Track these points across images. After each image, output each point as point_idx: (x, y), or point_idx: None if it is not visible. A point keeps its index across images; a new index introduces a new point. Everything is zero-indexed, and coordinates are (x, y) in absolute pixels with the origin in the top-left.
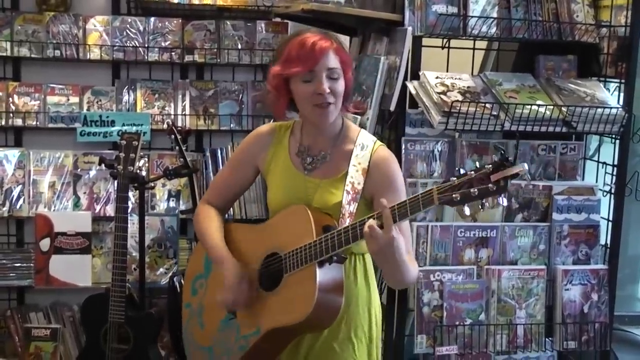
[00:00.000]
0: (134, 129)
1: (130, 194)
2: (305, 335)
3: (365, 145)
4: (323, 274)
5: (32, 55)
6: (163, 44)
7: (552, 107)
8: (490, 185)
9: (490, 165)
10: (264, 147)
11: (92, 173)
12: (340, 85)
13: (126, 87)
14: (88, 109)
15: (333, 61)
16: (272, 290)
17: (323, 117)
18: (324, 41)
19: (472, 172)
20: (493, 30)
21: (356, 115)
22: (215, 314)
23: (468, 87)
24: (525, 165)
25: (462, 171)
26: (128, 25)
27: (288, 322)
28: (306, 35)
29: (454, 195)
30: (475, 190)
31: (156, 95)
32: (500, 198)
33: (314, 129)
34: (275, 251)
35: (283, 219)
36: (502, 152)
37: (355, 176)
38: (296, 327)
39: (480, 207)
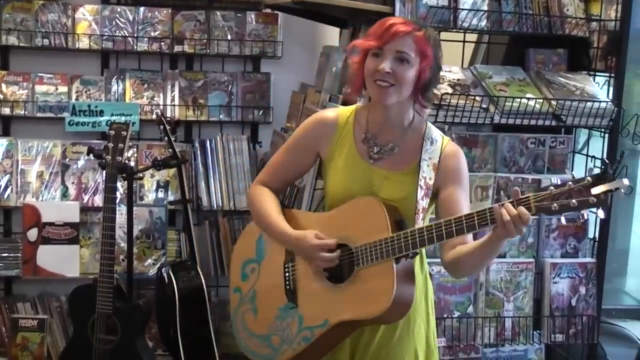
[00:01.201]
0: (123, 119)
1: (119, 184)
2: (365, 328)
3: (434, 140)
4: (399, 270)
5: (21, 44)
6: (152, 34)
7: (541, 100)
8: (591, 198)
9: (590, 178)
10: (328, 133)
11: (81, 163)
12: (408, 72)
13: (115, 77)
14: (77, 99)
15: (407, 46)
16: (341, 283)
17: (379, 95)
18: (405, 25)
19: (571, 183)
20: (483, 23)
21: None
22: (271, 301)
23: (458, 79)
24: (626, 181)
25: (559, 181)
26: (117, 15)
27: (362, 316)
28: (393, 17)
29: (553, 206)
30: (575, 202)
31: (145, 86)
32: (600, 211)
33: (381, 116)
34: (344, 242)
35: (353, 210)
36: (606, 165)
37: (427, 171)
38: (368, 321)
39: (581, 217)
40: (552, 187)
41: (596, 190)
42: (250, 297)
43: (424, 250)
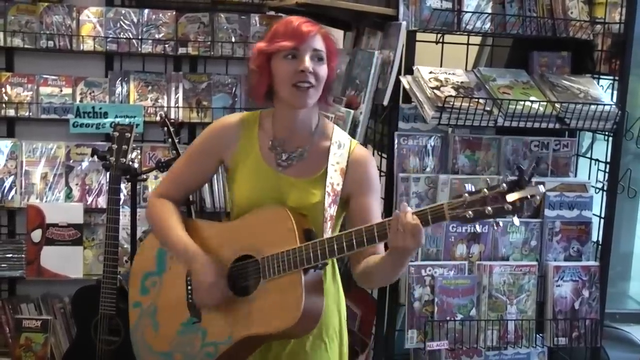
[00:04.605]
0: (127, 120)
1: (123, 186)
2: (272, 342)
3: (342, 144)
4: (308, 281)
5: (25, 46)
6: (157, 36)
7: (545, 103)
8: (506, 205)
9: (505, 185)
10: (232, 139)
11: (85, 164)
12: (323, 70)
13: (119, 79)
14: (81, 100)
15: (319, 43)
16: (246, 296)
17: (301, 99)
18: (311, 24)
19: (486, 190)
20: (487, 25)
21: (349, 110)
22: (173, 316)
23: (462, 82)
24: (542, 188)
25: (472, 187)
26: (122, 17)
27: (270, 330)
28: (295, 16)
29: (467, 214)
30: (490, 209)
31: (149, 88)
32: (515, 218)
33: (289, 121)
34: (249, 254)
35: (259, 220)
36: (521, 170)
37: (334, 177)
38: (277, 334)
39: (495, 225)
40: (466, 194)
41: (511, 197)
42: (151, 311)
43: (335, 260)
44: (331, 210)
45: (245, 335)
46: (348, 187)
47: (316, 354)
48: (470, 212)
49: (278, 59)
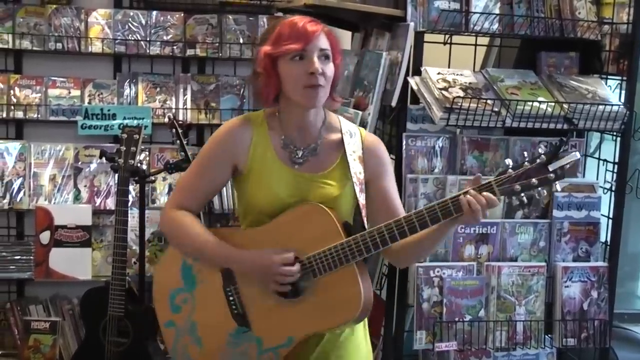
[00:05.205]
0: (135, 122)
1: (131, 187)
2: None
3: (353, 133)
4: (360, 271)
5: (34, 48)
6: (165, 38)
7: (553, 103)
8: (549, 174)
9: (544, 156)
10: (244, 142)
11: (93, 166)
12: (330, 69)
13: (128, 81)
14: (89, 102)
15: (324, 42)
16: (296, 297)
17: (312, 100)
18: (315, 23)
19: (527, 163)
20: (495, 26)
21: (357, 111)
22: (217, 329)
23: (470, 83)
24: (578, 154)
25: (509, 162)
26: (130, 19)
27: (335, 324)
28: (296, 17)
29: (515, 187)
30: (535, 180)
31: (157, 89)
32: (557, 185)
33: (298, 120)
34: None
35: (294, 220)
36: (557, 142)
37: (355, 166)
38: (336, 327)
39: (537, 195)
40: (510, 170)
41: (553, 166)
42: (189, 328)
43: None
44: (362, 199)
45: (310, 333)
46: (367, 174)
47: (347, 342)
48: (517, 186)
49: (285, 61)
